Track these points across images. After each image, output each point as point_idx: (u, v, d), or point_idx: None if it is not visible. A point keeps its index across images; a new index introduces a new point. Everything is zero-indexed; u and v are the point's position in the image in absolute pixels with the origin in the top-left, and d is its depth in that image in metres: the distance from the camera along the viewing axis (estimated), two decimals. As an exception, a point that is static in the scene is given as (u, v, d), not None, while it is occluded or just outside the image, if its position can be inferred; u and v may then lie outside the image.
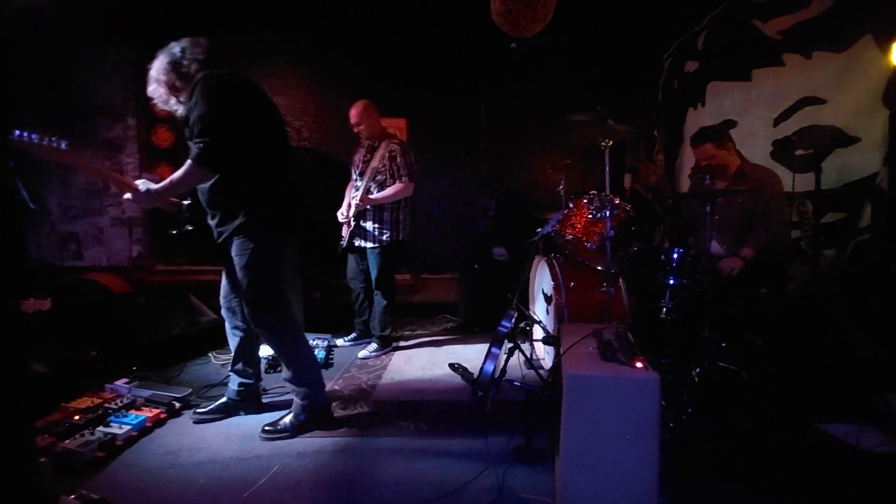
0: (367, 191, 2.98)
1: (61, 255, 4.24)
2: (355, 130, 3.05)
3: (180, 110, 1.90)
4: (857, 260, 2.56)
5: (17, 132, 1.63)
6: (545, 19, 2.94)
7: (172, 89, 1.89)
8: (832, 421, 1.93)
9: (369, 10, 3.94)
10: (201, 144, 1.76)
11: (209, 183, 1.88)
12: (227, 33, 4.01)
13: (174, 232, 2.05)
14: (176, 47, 1.87)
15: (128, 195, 1.88)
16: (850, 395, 2.05)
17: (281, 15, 3.93)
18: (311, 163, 3.90)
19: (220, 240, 1.96)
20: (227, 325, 2.16)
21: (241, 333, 2.13)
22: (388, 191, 2.95)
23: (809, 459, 1.77)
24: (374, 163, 2.99)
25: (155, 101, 1.94)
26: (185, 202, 2.05)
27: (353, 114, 3.00)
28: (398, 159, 2.95)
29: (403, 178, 2.95)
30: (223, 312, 2.16)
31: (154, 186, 1.86)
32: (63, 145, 1.71)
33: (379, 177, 2.98)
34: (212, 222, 1.97)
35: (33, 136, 1.66)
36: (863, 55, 2.57)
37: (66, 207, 4.23)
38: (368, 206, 2.98)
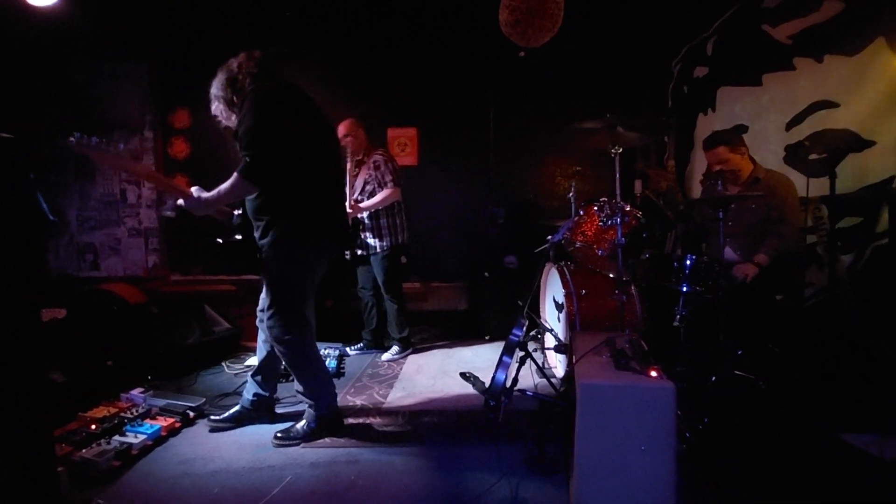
0: (357, 202, 3.09)
1: (79, 266, 4.33)
2: (343, 142, 3.14)
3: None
4: (876, 265, 2.51)
5: (77, 135, 1.65)
6: (553, 29, 2.96)
7: (231, 105, 1.92)
8: (853, 431, 1.88)
9: (379, 22, 4.00)
10: (247, 158, 1.79)
11: (252, 198, 1.91)
12: (240, 46, 4.10)
13: (221, 241, 2.05)
14: (234, 63, 1.92)
15: (181, 201, 1.90)
16: (871, 404, 2.00)
17: (293, 28, 4.01)
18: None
19: (262, 254, 1.96)
20: (260, 336, 2.15)
21: (270, 347, 2.11)
22: (377, 197, 3.07)
23: (831, 470, 1.72)
24: (362, 175, 3.14)
25: (219, 119, 1.98)
26: (237, 212, 2.06)
27: (341, 127, 3.13)
28: (382, 167, 3.08)
29: (389, 184, 3.07)
30: (258, 323, 2.13)
31: (206, 195, 1.88)
32: (121, 147, 1.76)
33: (367, 187, 3.12)
34: (256, 234, 1.98)
35: (93, 139, 1.68)
36: (876, 58, 2.54)
37: (84, 219, 4.32)
38: (365, 217, 3.11)
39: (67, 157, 4.22)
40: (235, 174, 1.82)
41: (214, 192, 1.87)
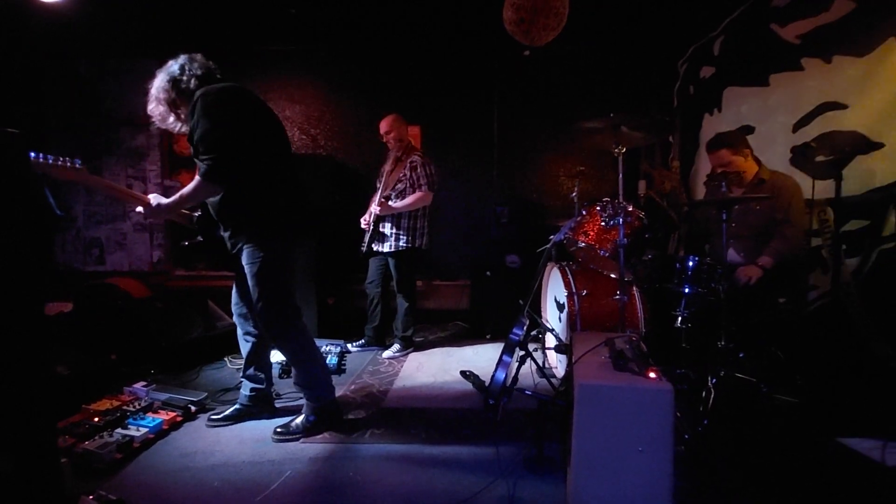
0: (387, 199, 3.07)
1: (85, 260, 4.37)
2: (385, 139, 3.15)
3: (179, 127, 1.95)
4: (882, 269, 2.48)
5: (33, 154, 1.68)
6: (558, 28, 2.95)
7: (172, 105, 1.92)
8: (855, 435, 1.86)
9: (384, 21, 4.00)
10: (208, 161, 1.81)
11: (218, 196, 1.93)
12: (247, 44, 4.12)
13: (186, 243, 2.12)
14: (174, 65, 1.91)
15: (139, 209, 1.96)
16: (874, 409, 1.98)
17: (299, 26, 4.02)
18: (327, 170, 3.96)
19: (233, 251, 2.00)
20: (239, 331, 2.20)
21: (252, 339, 2.17)
22: (408, 199, 3.05)
23: (831, 475, 1.71)
24: (397, 173, 3.11)
25: (153, 120, 1.97)
26: (196, 214, 2.12)
27: (384, 123, 3.13)
28: (419, 169, 3.05)
29: (423, 188, 3.05)
30: (234, 318, 2.21)
31: (164, 201, 1.94)
32: (77, 164, 1.78)
33: (399, 185, 3.09)
34: (224, 234, 2.01)
35: (48, 157, 1.72)
36: (886, 59, 2.50)
37: (90, 214, 4.36)
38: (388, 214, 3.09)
39: (75, 152, 4.25)
40: (197, 178, 1.86)
41: (175, 196, 1.92)
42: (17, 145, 1.38)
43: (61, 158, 1.75)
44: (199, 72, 1.90)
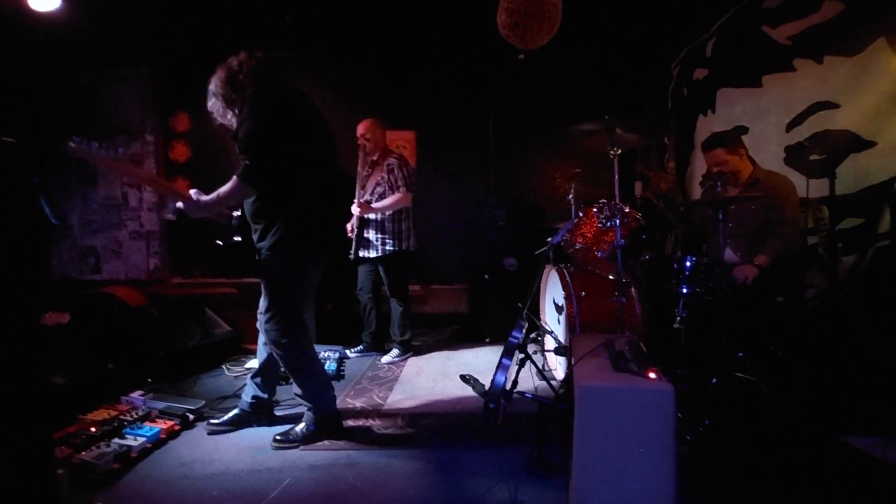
0: (367, 203, 3.08)
1: (81, 269, 4.35)
2: (360, 142, 3.15)
3: (235, 124, 1.93)
4: (877, 266, 2.50)
5: (77, 139, 1.67)
6: (552, 31, 2.97)
7: (229, 102, 1.92)
8: (856, 433, 1.86)
9: (378, 27, 4.02)
10: (246, 162, 1.80)
11: (251, 202, 1.92)
12: (240, 50, 4.12)
13: (220, 243, 2.05)
14: (234, 61, 1.92)
15: (180, 203, 1.90)
16: (874, 407, 1.98)
17: (294, 32, 4.03)
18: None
19: (260, 256, 1.97)
20: (260, 339, 2.15)
21: (271, 349, 2.11)
22: (387, 200, 3.05)
23: (833, 473, 1.71)
24: (374, 177, 3.12)
25: (214, 116, 1.97)
26: (236, 213, 2.06)
27: (361, 126, 3.14)
28: (395, 171, 3.06)
29: (401, 189, 3.05)
30: (258, 325, 2.13)
31: (204, 198, 1.89)
32: (120, 153, 1.76)
33: (378, 188, 3.10)
34: (255, 236, 1.99)
35: (93, 144, 1.69)
36: (877, 58, 2.53)
37: (86, 222, 4.35)
38: (372, 218, 3.10)
39: (70, 161, 4.25)
40: (235, 177, 1.83)
41: (213, 195, 1.88)
42: (13, 154, 1.37)
43: (104, 145, 1.72)
44: (256, 70, 1.90)
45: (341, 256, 3.24)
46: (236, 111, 1.91)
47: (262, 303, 2.03)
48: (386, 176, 3.07)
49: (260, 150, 1.80)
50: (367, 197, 3.10)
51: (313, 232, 1.96)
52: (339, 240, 2.08)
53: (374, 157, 3.15)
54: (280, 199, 1.90)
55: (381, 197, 3.08)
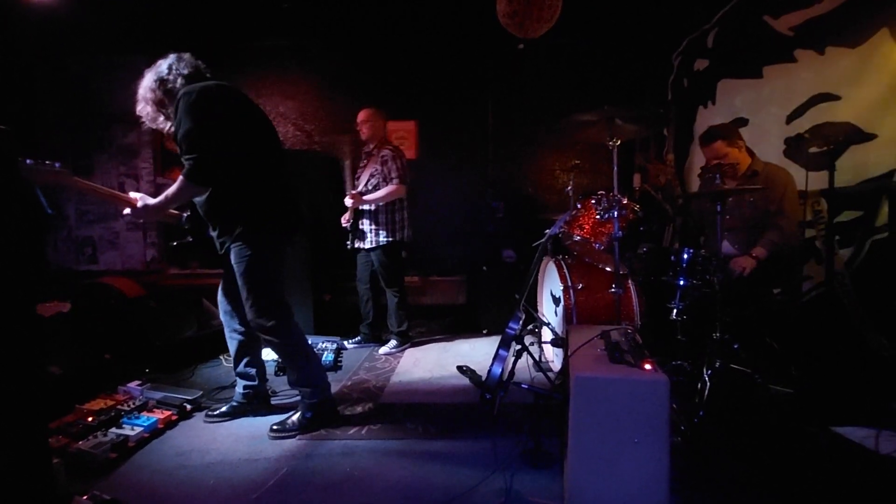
0: (361, 194, 3.08)
1: (77, 260, 4.33)
2: (358, 128, 3.16)
3: (168, 126, 1.92)
4: (875, 259, 2.50)
5: (21, 160, 1.65)
6: (551, 20, 2.93)
7: (160, 105, 1.90)
8: (849, 424, 1.88)
9: (377, 15, 3.97)
10: (190, 161, 1.79)
11: (204, 196, 1.92)
12: (238, 40, 4.08)
13: (175, 244, 2.12)
14: (163, 64, 1.90)
15: (127, 210, 1.93)
16: (867, 398, 1.99)
17: (292, 22, 3.98)
18: (321, 166, 3.93)
19: (222, 250, 1.99)
20: (226, 329, 2.18)
21: (239, 336, 2.16)
22: (380, 192, 3.05)
23: (826, 464, 1.73)
24: (370, 167, 3.12)
25: (143, 120, 1.95)
26: (185, 214, 2.10)
27: (362, 113, 3.14)
28: (389, 163, 3.06)
29: (395, 181, 3.04)
30: (221, 316, 2.18)
31: (151, 201, 1.92)
32: (57, 166, 1.75)
33: (372, 180, 3.10)
34: (213, 233, 2.00)
35: (27, 160, 1.68)
36: (878, 50, 2.51)
37: (82, 212, 4.32)
38: (366, 209, 3.10)
39: (66, 150, 4.22)
40: (181, 177, 1.83)
41: (161, 197, 1.90)
42: (7, 143, 1.36)
43: (41, 161, 1.71)
44: (185, 71, 1.88)
45: (342, 247, 3.25)
46: (169, 114, 1.89)
47: (224, 293, 2.08)
48: (380, 167, 3.06)
49: (200, 147, 1.79)
50: (361, 188, 3.10)
51: (275, 217, 1.97)
52: (301, 219, 2.09)
53: (370, 148, 3.15)
54: (231, 193, 1.90)
55: (376, 188, 3.08)
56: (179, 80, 1.87)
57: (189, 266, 4.27)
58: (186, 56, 1.93)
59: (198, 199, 1.96)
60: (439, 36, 4.04)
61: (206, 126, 1.80)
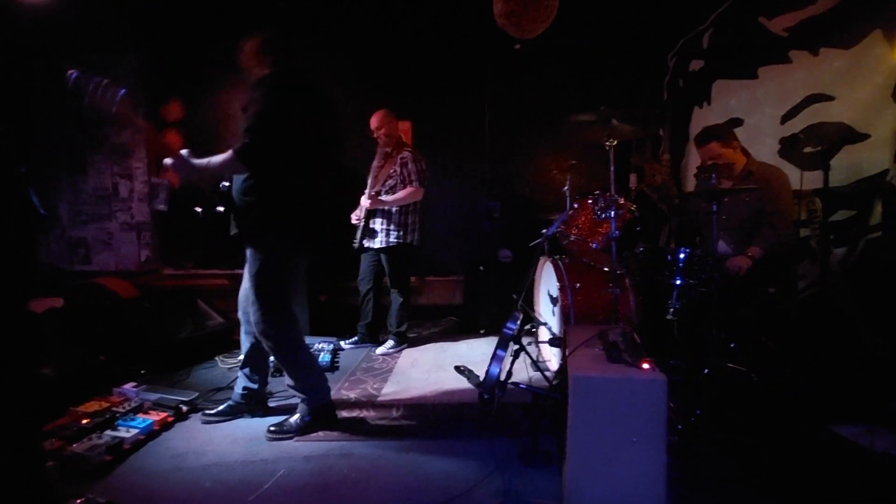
0: (377, 194, 3.06)
1: (70, 260, 4.29)
2: (375, 135, 3.14)
3: (249, 74, 1.96)
4: (869, 258, 2.52)
5: (77, 73, 1.61)
6: (548, 20, 2.94)
7: (253, 55, 1.96)
8: (844, 422, 1.89)
9: (373, 15, 3.96)
10: (247, 140, 1.80)
11: (243, 178, 1.91)
12: (231, 38, 4.05)
13: (200, 209, 2.05)
14: (272, 31, 1.96)
15: (169, 159, 1.86)
16: (862, 397, 2.01)
17: (286, 20, 3.96)
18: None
19: (232, 233, 1.97)
20: (242, 328, 2.16)
21: (252, 339, 2.13)
22: (398, 194, 3.04)
23: (821, 462, 1.74)
24: (387, 169, 3.09)
25: (242, 53, 2.01)
26: (226, 183, 2.03)
27: (374, 118, 3.12)
28: (409, 165, 3.05)
29: (413, 183, 3.04)
30: (239, 315, 2.15)
31: (195, 160, 1.86)
32: (120, 93, 1.68)
33: (389, 181, 3.08)
34: (233, 217, 1.98)
35: (94, 77, 1.63)
36: (872, 51, 2.53)
37: (75, 213, 4.28)
38: (379, 209, 3.08)
39: (58, 150, 4.18)
40: (231, 151, 1.82)
41: (205, 160, 1.86)
42: (6, 143, 1.34)
43: (106, 82, 1.65)
44: (284, 50, 1.94)
45: (340, 248, 3.24)
46: (254, 69, 1.94)
47: (248, 295, 2.03)
48: (399, 169, 3.05)
49: (263, 133, 1.80)
50: (378, 188, 3.08)
51: (300, 229, 1.97)
52: (321, 238, 2.08)
53: (389, 150, 3.13)
54: (267, 188, 1.89)
55: (393, 189, 3.06)
56: (274, 54, 1.92)
57: (184, 266, 4.24)
58: (292, 40, 1.99)
59: (236, 186, 1.94)
60: (436, 36, 4.03)
61: (277, 116, 1.82)
